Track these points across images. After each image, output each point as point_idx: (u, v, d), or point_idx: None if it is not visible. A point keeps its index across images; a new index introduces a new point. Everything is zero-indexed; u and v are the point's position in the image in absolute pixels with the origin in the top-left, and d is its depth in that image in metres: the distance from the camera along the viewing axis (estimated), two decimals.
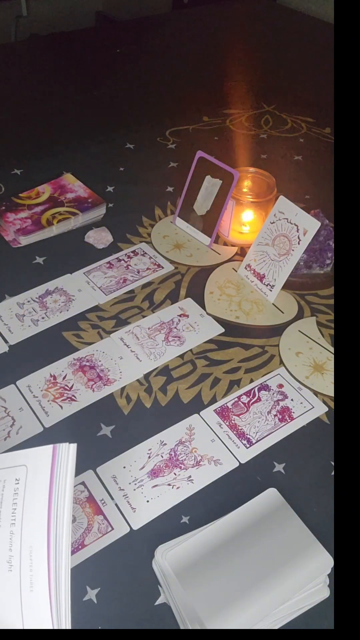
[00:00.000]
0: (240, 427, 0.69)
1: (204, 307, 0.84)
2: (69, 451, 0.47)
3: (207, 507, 0.62)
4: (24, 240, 0.93)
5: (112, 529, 0.60)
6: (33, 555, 0.45)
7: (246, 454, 0.67)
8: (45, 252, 0.92)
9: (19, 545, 0.46)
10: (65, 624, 0.45)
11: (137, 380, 0.74)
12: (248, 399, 0.72)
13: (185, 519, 0.61)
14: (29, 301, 0.84)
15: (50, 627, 0.45)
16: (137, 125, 1.23)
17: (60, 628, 0.45)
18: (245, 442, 0.68)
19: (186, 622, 0.51)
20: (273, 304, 0.85)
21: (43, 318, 0.81)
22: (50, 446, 0.47)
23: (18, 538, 0.46)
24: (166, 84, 1.41)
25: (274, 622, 0.52)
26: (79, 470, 0.64)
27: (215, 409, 0.71)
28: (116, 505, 0.62)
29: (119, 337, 0.79)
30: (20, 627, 0.45)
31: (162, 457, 0.66)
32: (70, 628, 0.45)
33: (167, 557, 0.54)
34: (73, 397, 0.72)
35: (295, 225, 0.81)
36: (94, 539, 0.59)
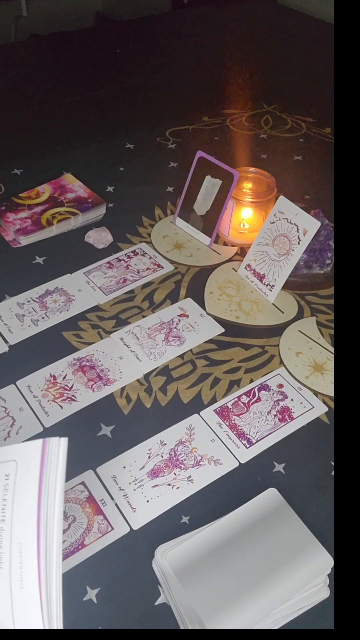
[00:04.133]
0: (240, 427, 0.69)
1: (204, 307, 0.84)
2: (59, 446, 0.45)
3: (207, 507, 0.62)
4: (24, 240, 0.93)
5: (112, 529, 0.60)
6: (23, 552, 0.45)
7: (246, 454, 0.67)
8: (45, 252, 0.92)
9: (9, 542, 0.45)
10: (57, 621, 0.44)
11: (137, 380, 0.74)
12: (248, 399, 0.72)
13: (185, 519, 0.61)
14: (29, 301, 0.84)
15: (41, 624, 0.44)
16: (137, 125, 1.23)
17: (51, 625, 0.44)
18: (245, 442, 0.68)
19: (186, 622, 0.51)
20: (273, 304, 0.85)
21: (43, 318, 0.81)
22: (40, 440, 0.46)
23: (8, 535, 0.45)
24: (166, 84, 1.41)
25: (274, 622, 0.52)
26: (79, 470, 0.64)
27: (215, 409, 0.71)
28: (116, 505, 0.62)
29: (119, 337, 0.79)
30: (11, 624, 0.45)
31: (162, 457, 0.66)
32: (61, 625, 0.45)
33: (167, 557, 0.54)
34: (73, 397, 0.72)
35: (295, 225, 0.81)
36: (94, 539, 0.59)
